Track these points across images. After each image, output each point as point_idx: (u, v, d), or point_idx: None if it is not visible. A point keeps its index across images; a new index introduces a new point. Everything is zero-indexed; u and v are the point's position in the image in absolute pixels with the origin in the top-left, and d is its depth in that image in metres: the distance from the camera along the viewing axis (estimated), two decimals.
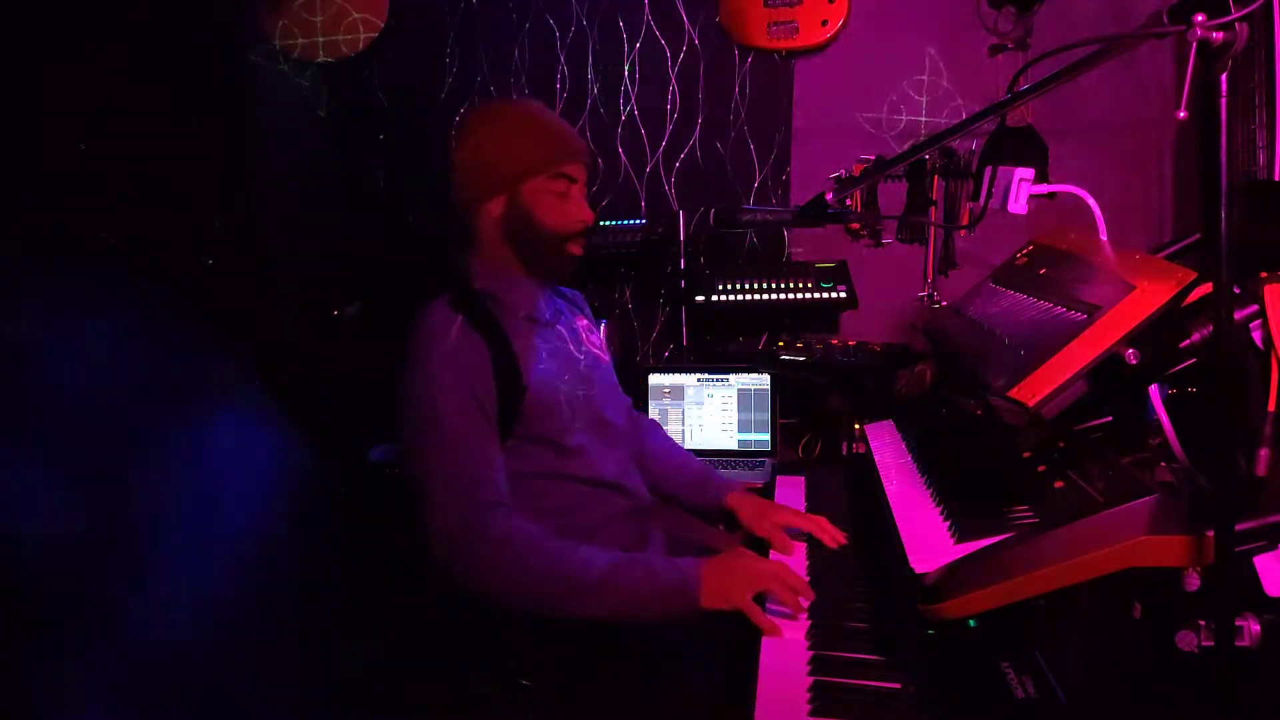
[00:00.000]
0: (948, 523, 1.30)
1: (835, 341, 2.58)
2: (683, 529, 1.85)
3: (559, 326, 1.70)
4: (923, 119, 2.75)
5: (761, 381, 2.49)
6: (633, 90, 2.99)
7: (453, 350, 1.48)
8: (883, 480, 1.60)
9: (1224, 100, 0.92)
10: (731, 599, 1.35)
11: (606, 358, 1.80)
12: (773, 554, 1.62)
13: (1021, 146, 2.20)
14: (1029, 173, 1.56)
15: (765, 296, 2.65)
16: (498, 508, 1.43)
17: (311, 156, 3.13)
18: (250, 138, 3.03)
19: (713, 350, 2.79)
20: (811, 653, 1.26)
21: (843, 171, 2.04)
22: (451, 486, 1.42)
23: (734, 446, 2.50)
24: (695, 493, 1.87)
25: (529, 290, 1.66)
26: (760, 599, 1.37)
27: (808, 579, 1.52)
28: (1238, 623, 0.94)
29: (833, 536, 1.62)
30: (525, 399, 1.52)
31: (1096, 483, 1.13)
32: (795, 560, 1.59)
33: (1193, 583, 0.98)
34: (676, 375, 2.55)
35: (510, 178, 1.59)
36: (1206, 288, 1.14)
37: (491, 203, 1.61)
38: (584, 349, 1.73)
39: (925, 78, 2.79)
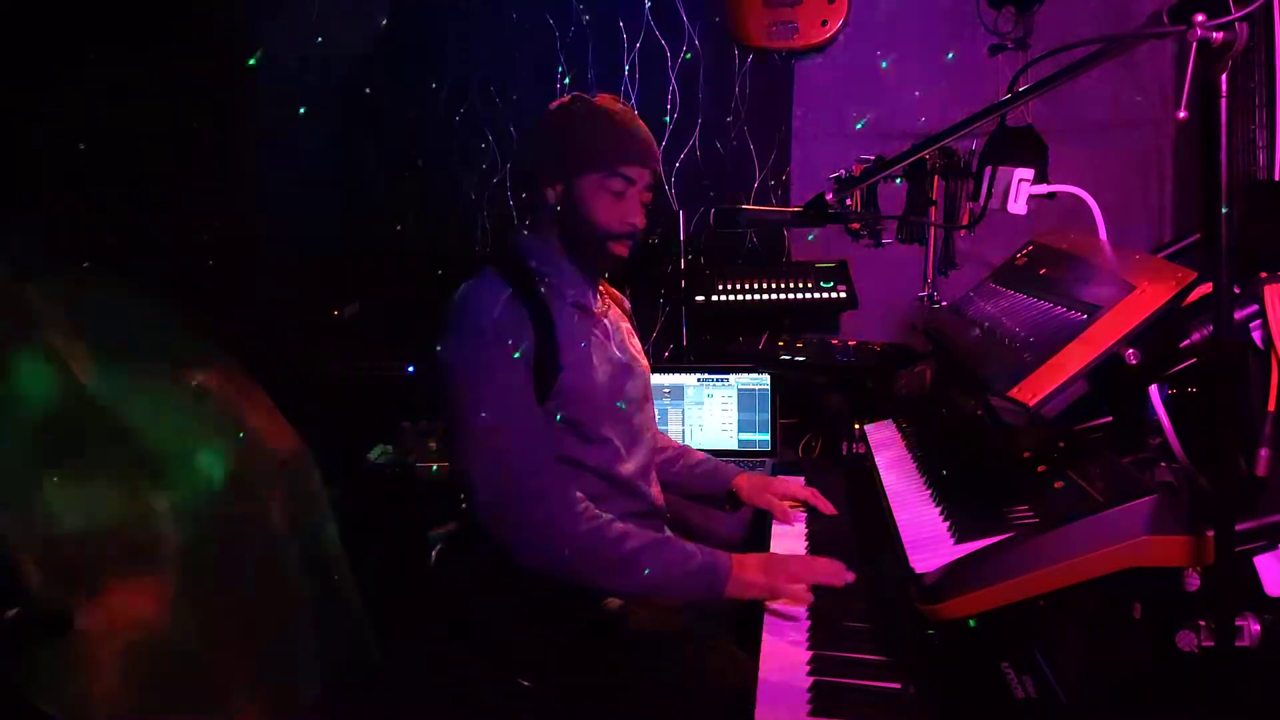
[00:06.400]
0: (948, 523, 1.30)
1: (835, 341, 2.58)
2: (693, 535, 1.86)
3: (604, 320, 1.72)
4: (922, 119, 2.74)
5: (761, 381, 2.49)
6: (633, 90, 2.98)
7: (497, 322, 1.50)
8: (883, 480, 1.60)
9: (1224, 100, 0.92)
10: (752, 594, 1.45)
11: (645, 365, 1.80)
12: (777, 526, 1.80)
13: (1021, 146, 2.20)
14: (1029, 173, 1.56)
15: (765, 296, 2.65)
16: (540, 476, 1.47)
17: (311, 156, 3.12)
18: (250, 138, 3.03)
19: (713, 350, 2.79)
20: (811, 653, 1.26)
21: (843, 171, 2.04)
22: (496, 458, 1.46)
23: (734, 446, 2.50)
24: (709, 483, 1.97)
25: (577, 278, 1.68)
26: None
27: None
28: (1238, 623, 0.94)
29: (827, 506, 1.81)
30: (559, 378, 1.55)
31: (1096, 483, 1.13)
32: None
33: (1193, 583, 0.99)
34: (676, 375, 2.54)
35: (570, 166, 1.61)
36: (1206, 288, 1.14)
37: (550, 187, 1.64)
38: (625, 349, 1.75)
39: (925, 77, 2.78)
